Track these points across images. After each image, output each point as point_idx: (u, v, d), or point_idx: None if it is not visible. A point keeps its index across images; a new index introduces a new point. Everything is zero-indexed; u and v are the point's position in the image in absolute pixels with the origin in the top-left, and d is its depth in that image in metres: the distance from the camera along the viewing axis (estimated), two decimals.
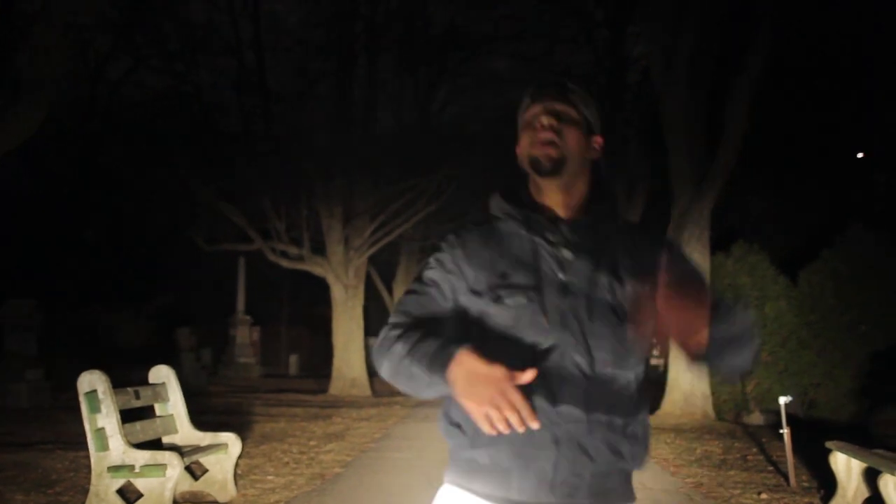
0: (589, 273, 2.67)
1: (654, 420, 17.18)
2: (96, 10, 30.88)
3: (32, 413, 16.83)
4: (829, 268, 19.50)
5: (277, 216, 24.90)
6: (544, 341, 2.60)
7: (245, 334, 35.29)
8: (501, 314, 2.65)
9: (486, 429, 2.34)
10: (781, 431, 9.89)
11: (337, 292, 25.17)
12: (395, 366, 2.62)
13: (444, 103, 33.76)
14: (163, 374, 9.48)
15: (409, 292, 2.81)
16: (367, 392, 24.95)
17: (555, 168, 2.72)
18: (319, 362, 34.29)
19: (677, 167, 18.73)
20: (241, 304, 35.57)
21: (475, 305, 2.70)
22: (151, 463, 7.97)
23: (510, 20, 31.16)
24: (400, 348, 2.61)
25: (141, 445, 8.40)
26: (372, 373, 27.54)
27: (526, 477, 2.59)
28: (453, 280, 2.75)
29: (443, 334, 2.60)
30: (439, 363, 2.47)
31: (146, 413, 9.37)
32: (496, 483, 2.63)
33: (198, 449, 9.10)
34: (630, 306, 2.61)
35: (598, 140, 2.83)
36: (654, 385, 20.78)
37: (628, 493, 2.71)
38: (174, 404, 9.43)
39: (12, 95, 10.68)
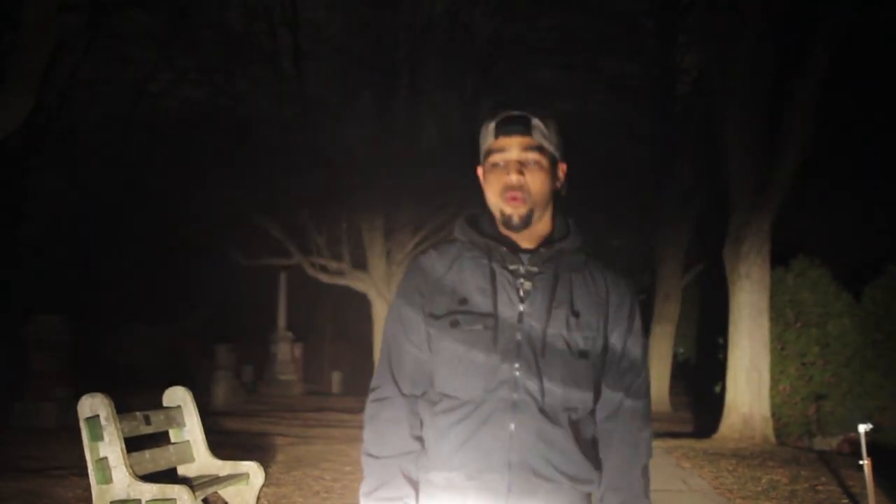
0: (546, 304, 2.83)
1: (711, 444, 16.25)
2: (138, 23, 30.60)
3: (59, 434, 16.09)
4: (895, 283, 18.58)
5: (317, 230, 24.17)
6: (498, 369, 2.77)
7: (286, 351, 34.50)
8: (457, 339, 2.82)
9: None
10: (861, 462, 8.94)
11: (378, 307, 24.36)
12: (366, 451, 2.93)
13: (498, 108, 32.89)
14: (178, 397, 8.65)
15: (387, 332, 3.02)
16: None
17: (524, 224, 2.85)
18: (363, 380, 33.53)
19: (735, 178, 17.80)
20: (282, 319, 34.81)
21: (433, 329, 2.87)
22: (159, 497, 7.17)
23: (556, 30, 30.38)
24: (374, 460, 2.91)
25: (152, 476, 7.61)
26: None
27: (481, 497, 2.76)
28: (422, 308, 2.91)
29: (417, 399, 2.93)
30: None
31: (162, 440, 8.59)
32: (453, 495, 2.79)
33: (216, 479, 8.30)
34: (584, 340, 2.83)
35: (562, 168, 2.98)
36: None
37: None
38: (190, 430, 8.60)
39: None
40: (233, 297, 37.31)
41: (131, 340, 30.07)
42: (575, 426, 2.81)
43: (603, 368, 2.90)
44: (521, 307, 2.82)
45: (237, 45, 26.96)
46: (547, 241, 2.93)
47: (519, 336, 2.79)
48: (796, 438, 18.35)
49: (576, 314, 2.84)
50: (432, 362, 2.88)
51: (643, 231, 28.98)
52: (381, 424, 2.91)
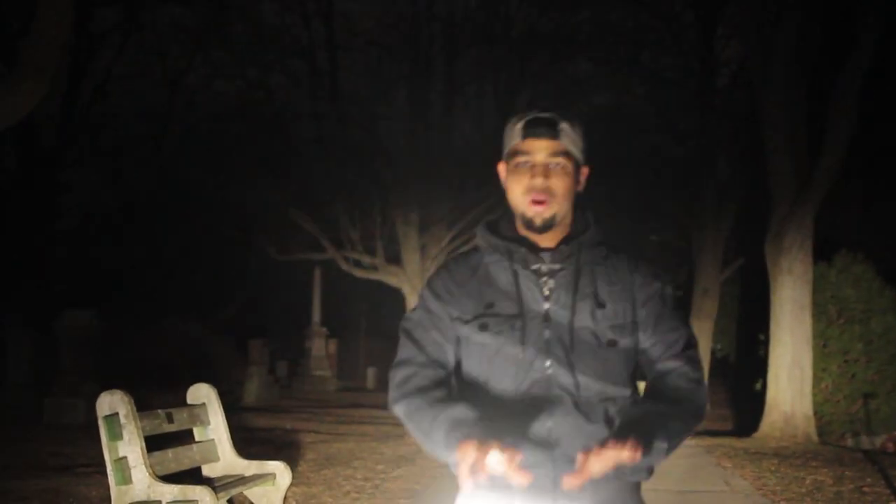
0: (570, 300, 2.82)
1: (752, 443, 15.89)
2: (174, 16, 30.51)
3: (88, 430, 15.88)
4: None
5: (351, 224, 23.88)
6: (530, 368, 2.76)
7: (321, 346, 34.34)
8: (487, 342, 2.82)
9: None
10: None
11: (413, 303, 23.93)
12: (414, 416, 2.78)
13: (526, 108, 32.62)
14: (202, 394, 8.38)
15: (411, 319, 2.97)
16: None
17: (546, 227, 2.84)
18: None
19: (777, 170, 17.39)
20: (316, 315, 34.65)
21: (462, 332, 2.87)
22: (180, 499, 6.90)
23: (593, 22, 29.98)
24: (419, 408, 2.78)
25: (174, 476, 7.35)
26: None
27: (528, 494, 2.70)
28: (449, 308, 2.89)
29: (448, 372, 2.89)
30: (452, 441, 2.60)
31: (187, 439, 8.34)
32: (500, 494, 2.73)
33: (242, 480, 8.04)
34: (612, 330, 2.82)
35: (584, 172, 2.94)
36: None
37: (634, 500, 2.86)
38: (215, 428, 8.32)
39: (11, 67, 9.81)
40: (267, 292, 37.18)
41: (164, 336, 29.88)
42: (614, 419, 2.77)
43: (636, 355, 2.89)
44: (547, 305, 2.82)
45: (271, 38, 26.73)
46: (566, 238, 2.92)
47: (547, 334, 2.79)
48: (839, 437, 18.00)
49: (601, 305, 2.84)
50: (463, 362, 2.90)
51: (681, 226, 28.56)
52: (416, 378, 2.86)
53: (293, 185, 24.20)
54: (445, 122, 25.69)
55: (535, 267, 2.86)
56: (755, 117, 18.69)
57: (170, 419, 7.70)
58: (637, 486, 2.87)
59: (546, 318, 2.80)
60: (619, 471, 2.62)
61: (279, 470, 8.28)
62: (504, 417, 2.75)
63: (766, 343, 17.80)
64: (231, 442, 8.37)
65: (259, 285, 36.50)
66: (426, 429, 2.73)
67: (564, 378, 2.75)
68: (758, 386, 18.61)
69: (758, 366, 18.86)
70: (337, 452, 13.97)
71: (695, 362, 2.87)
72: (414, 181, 23.51)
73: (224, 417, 8.37)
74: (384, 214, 23.96)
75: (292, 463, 12.37)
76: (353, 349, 40.59)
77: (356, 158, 24.14)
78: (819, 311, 17.66)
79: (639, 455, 2.51)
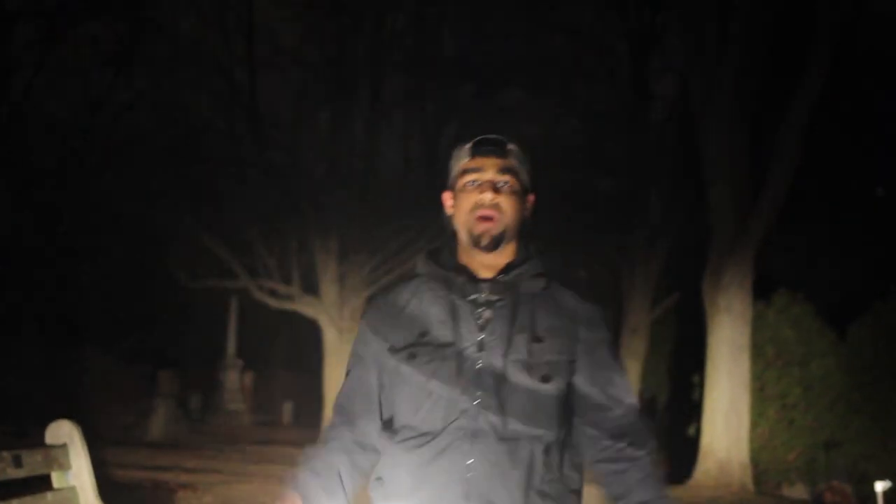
0: (506, 332, 2.85)
1: (685, 492, 15.12)
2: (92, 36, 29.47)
3: None
4: (884, 322, 17.47)
5: (267, 251, 22.81)
6: (459, 399, 2.79)
7: (235, 379, 33.22)
8: (416, 371, 2.86)
9: None
10: None
11: (330, 336, 23.01)
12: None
13: (455, 138, 31.85)
14: (64, 433, 7.12)
15: (346, 375, 3.08)
16: None
17: (494, 245, 2.91)
18: (316, 410, 32.31)
19: (717, 206, 16.78)
20: (231, 346, 33.48)
21: (392, 362, 2.91)
22: None
23: (526, 51, 29.33)
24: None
25: None
26: None
27: None
28: (374, 346, 2.98)
29: (374, 416, 3.00)
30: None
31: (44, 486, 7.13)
32: None
33: None
34: (548, 366, 2.85)
35: (530, 199, 3.05)
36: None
37: None
38: (77, 473, 7.06)
39: None
40: (184, 321, 36.03)
41: (69, 364, 28.57)
42: (537, 455, 2.79)
43: (575, 397, 2.92)
44: (482, 336, 2.84)
45: (189, 54, 25.69)
46: (507, 268, 2.95)
47: (479, 365, 2.80)
48: (774, 486, 17.31)
49: (538, 339, 2.85)
50: (391, 395, 2.94)
51: (611, 262, 27.87)
52: (324, 444, 3.03)
53: (207, 208, 23.17)
54: (368, 148, 24.77)
55: (472, 297, 2.88)
56: (691, 151, 18.07)
57: (17, 463, 6.43)
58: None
59: (480, 348, 2.82)
60: None
61: None
62: (424, 446, 2.78)
63: (700, 386, 17.07)
64: (96, 489, 7.12)
65: (176, 314, 35.32)
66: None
67: (492, 412, 2.76)
68: (691, 431, 17.81)
69: (691, 409, 18.09)
70: (237, 496, 12.85)
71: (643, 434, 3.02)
72: (334, 208, 22.61)
73: (89, 460, 7.13)
74: (302, 241, 22.98)
75: None
76: (270, 382, 39.52)
77: (274, 182, 23.19)
78: (756, 352, 17.00)
79: None
